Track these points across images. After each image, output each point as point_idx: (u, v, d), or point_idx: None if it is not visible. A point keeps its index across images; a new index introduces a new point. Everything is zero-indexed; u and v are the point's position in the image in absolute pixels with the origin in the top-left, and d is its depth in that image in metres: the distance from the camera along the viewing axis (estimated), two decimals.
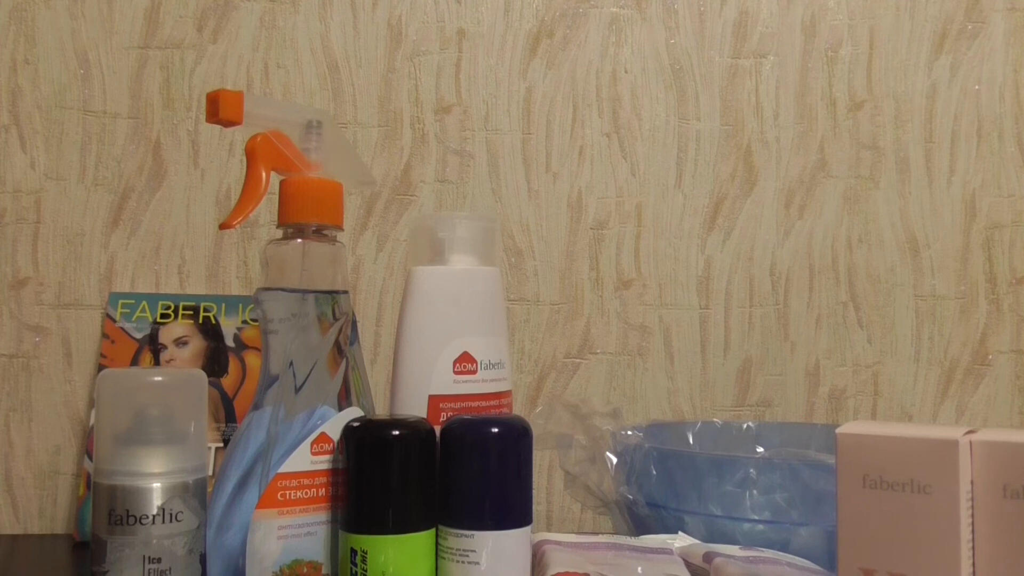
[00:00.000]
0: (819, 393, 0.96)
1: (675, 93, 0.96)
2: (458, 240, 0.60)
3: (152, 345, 0.86)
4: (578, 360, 0.94)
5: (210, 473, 0.71)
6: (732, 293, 0.96)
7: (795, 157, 0.97)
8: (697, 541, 0.60)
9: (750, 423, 0.82)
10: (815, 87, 0.97)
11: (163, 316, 0.87)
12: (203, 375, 0.50)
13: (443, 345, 0.58)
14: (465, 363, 0.58)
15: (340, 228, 0.56)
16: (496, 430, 0.52)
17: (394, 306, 0.92)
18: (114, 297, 0.88)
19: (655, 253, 0.95)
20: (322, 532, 0.52)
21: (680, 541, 0.59)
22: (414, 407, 0.58)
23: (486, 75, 0.94)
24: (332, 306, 0.55)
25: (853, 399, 0.96)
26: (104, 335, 0.86)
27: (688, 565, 0.55)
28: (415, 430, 0.52)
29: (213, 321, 0.87)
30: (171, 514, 0.46)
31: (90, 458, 0.82)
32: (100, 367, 0.85)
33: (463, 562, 0.51)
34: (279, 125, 0.54)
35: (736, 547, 0.57)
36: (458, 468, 0.52)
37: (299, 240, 0.54)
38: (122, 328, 0.86)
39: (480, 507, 0.51)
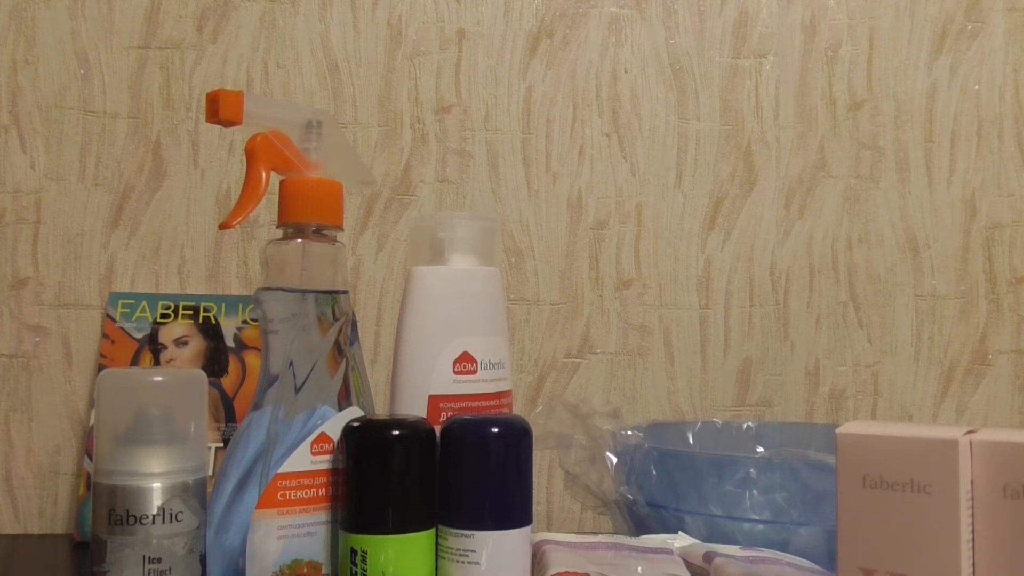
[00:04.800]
0: (819, 393, 0.96)
1: (675, 93, 0.96)
2: (458, 240, 0.60)
3: (152, 345, 0.86)
4: (578, 360, 0.94)
5: (210, 473, 0.71)
6: (732, 293, 0.96)
7: (795, 157, 0.97)
8: (697, 541, 0.60)
9: (750, 423, 0.82)
10: (815, 87, 0.97)
11: (163, 316, 0.87)
12: (203, 375, 0.50)
13: (443, 345, 0.58)
14: (465, 363, 0.58)
15: (340, 228, 0.56)
16: (496, 430, 0.52)
17: (394, 306, 0.92)
18: (114, 297, 0.88)
19: (655, 253, 0.95)
20: (322, 532, 0.52)
21: (680, 541, 0.59)
22: (414, 407, 0.58)
23: (486, 75, 0.94)
24: (332, 306, 0.55)
25: (853, 399, 0.96)
26: (104, 335, 0.86)
27: (688, 565, 0.55)
28: (415, 430, 0.52)
29: (213, 321, 0.87)
30: (171, 514, 0.46)
31: (90, 458, 0.82)
32: (100, 367, 0.85)
33: (463, 562, 0.51)
34: (279, 125, 0.54)
35: (736, 547, 0.57)
36: (458, 468, 0.52)
37: (299, 240, 0.54)
38: (122, 328, 0.86)
39: (480, 507, 0.51)
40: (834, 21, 0.98)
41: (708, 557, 0.54)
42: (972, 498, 0.43)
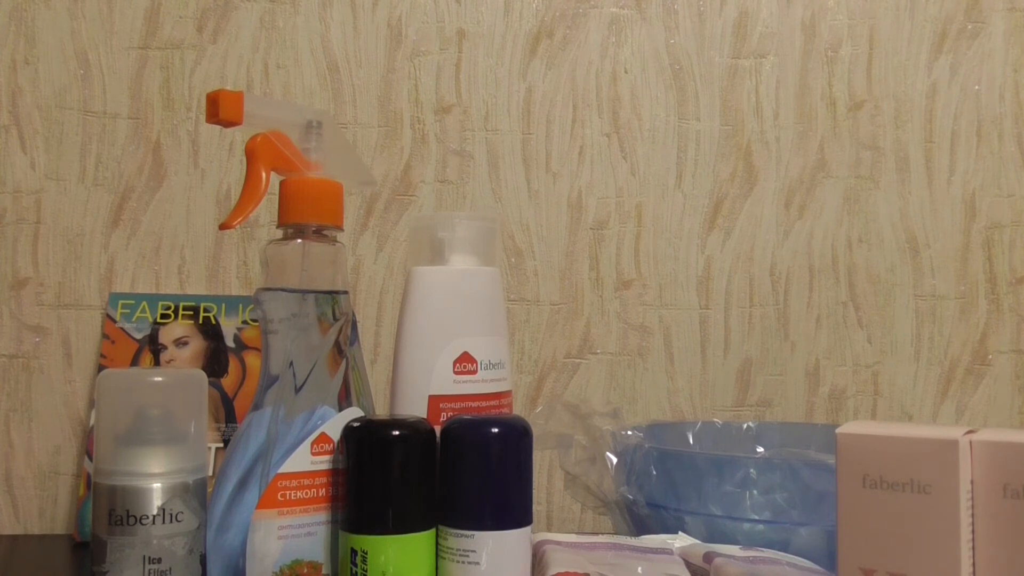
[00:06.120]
0: (819, 393, 0.96)
1: (675, 93, 0.96)
2: (458, 240, 0.60)
3: (152, 345, 0.86)
4: (578, 360, 0.94)
5: (210, 473, 0.71)
6: (732, 293, 0.96)
7: (795, 157, 0.97)
8: (697, 541, 0.60)
9: (750, 423, 0.82)
10: (815, 87, 0.97)
11: (163, 316, 0.87)
12: (203, 375, 0.50)
13: (443, 345, 0.58)
14: (465, 363, 0.58)
15: (340, 228, 0.56)
16: (496, 430, 0.52)
17: (394, 306, 0.92)
18: (114, 297, 0.88)
19: (655, 253, 0.95)
20: (322, 532, 0.52)
21: (680, 541, 0.59)
22: (414, 407, 0.58)
23: (486, 75, 0.94)
24: (332, 306, 0.55)
25: (853, 399, 0.96)
26: (104, 335, 0.86)
27: (688, 565, 0.55)
28: (415, 430, 0.52)
29: (213, 321, 0.87)
30: (171, 514, 0.46)
31: (90, 458, 0.82)
32: (100, 367, 0.85)
33: (463, 562, 0.51)
34: (279, 125, 0.54)
35: (736, 547, 0.57)
36: (458, 468, 0.52)
37: (299, 240, 0.54)
38: (122, 328, 0.86)
39: (480, 507, 0.51)
40: (834, 21, 0.98)
41: (708, 557, 0.54)
42: (972, 498, 0.43)
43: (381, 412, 0.67)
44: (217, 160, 0.91)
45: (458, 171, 0.94)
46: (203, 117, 0.91)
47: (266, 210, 0.91)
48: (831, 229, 0.97)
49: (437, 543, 0.52)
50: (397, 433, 0.51)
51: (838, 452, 0.45)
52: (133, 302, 0.87)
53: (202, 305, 0.88)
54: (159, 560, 0.46)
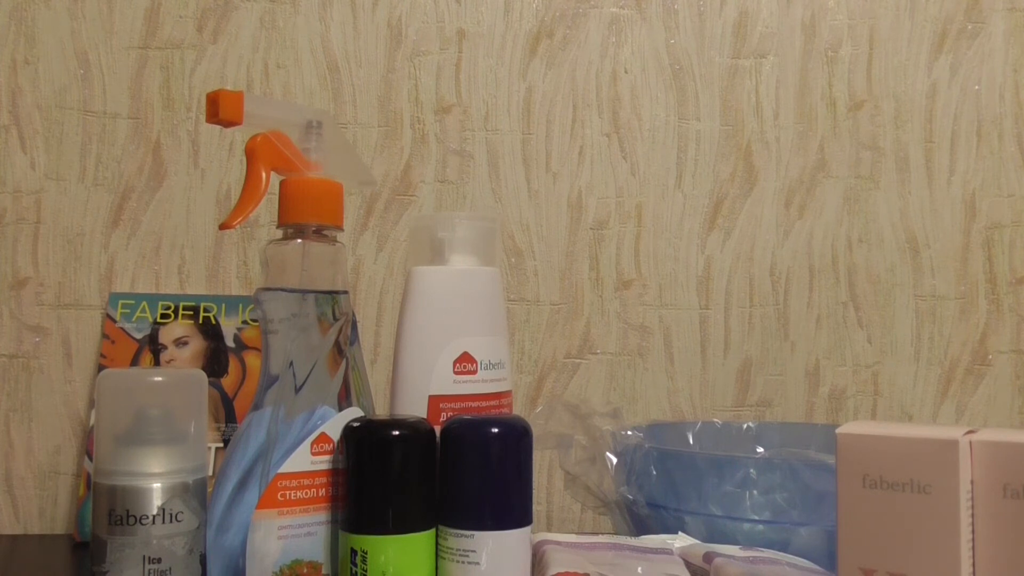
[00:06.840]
0: (819, 393, 0.96)
1: (675, 93, 0.96)
2: (458, 240, 0.60)
3: (152, 345, 0.86)
4: (578, 360, 0.94)
5: (210, 473, 0.71)
6: (732, 293, 0.96)
7: (795, 157, 0.97)
8: (697, 541, 0.60)
9: (750, 423, 0.82)
10: (815, 87, 0.97)
11: (163, 316, 0.87)
12: (203, 375, 0.50)
13: (443, 345, 0.58)
14: (465, 363, 0.58)
15: (340, 228, 0.56)
16: (496, 430, 0.52)
17: (394, 306, 0.92)
18: (114, 297, 0.88)
19: (655, 253, 0.95)
20: (322, 532, 0.52)
21: (680, 541, 0.59)
22: (414, 407, 0.58)
23: (486, 75, 0.94)
24: (332, 306, 0.55)
25: (853, 399, 0.96)
26: (104, 335, 0.86)
27: (688, 565, 0.55)
28: (415, 430, 0.52)
29: (213, 321, 0.87)
30: (171, 514, 0.46)
31: (90, 458, 0.82)
32: (100, 367, 0.85)
33: (463, 562, 0.51)
34: (279, 125, 0.54)
35: (736, 547, 0.57)
36: (458, 468, 0.52)
37: (299, 240, 0.54)
38: (122, 328, 0.86)
39: (480, 507, 0.51)
40: (834, 21, 0.98)
41: (708, 557, 0.54)
42: (972, 498, 0.43)
43: (381, 412, 0.67)
44: (217, 160, 0.91)
45: (458, 171, 0.94)
46: (203, 117, 0.91)
47: (266, 210, 0.91)
48: (831, 229, 0.97)
49: (437, 543, 0.52)
50: (397, 433, 0.51)
51: (838, 452, 0.45)
52: (133, 302, 0.87)
53: (202, 305, 0.88)
54: (159, 560, 0.46)
